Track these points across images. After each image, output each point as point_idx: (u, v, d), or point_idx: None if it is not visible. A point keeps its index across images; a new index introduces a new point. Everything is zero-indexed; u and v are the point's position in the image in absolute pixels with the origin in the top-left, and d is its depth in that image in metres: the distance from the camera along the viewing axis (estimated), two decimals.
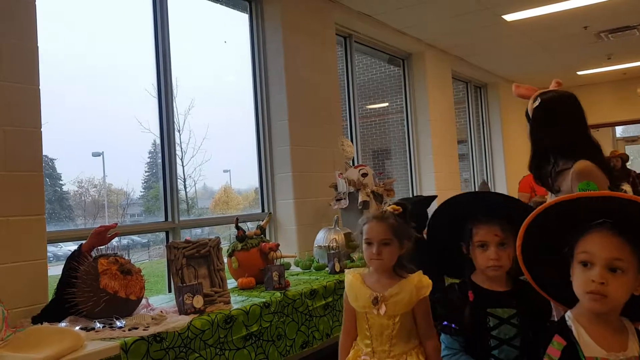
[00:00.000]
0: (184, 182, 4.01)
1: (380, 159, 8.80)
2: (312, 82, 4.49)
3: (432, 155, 6.39)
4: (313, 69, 4.53)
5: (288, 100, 4.24)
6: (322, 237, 3.80)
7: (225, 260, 3.03)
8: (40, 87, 2.59)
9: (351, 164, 4.53)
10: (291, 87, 4.28)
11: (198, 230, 4.28)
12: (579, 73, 8.68)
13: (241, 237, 3.18)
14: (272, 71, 4.32)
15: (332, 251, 3.56)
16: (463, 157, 8.09)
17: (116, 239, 2.59)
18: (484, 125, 8.57)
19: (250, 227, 3.48)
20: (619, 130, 12.61)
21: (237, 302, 2.65)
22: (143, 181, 3.97)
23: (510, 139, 8.70)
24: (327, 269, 3.53)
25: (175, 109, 3.69)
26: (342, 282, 3.12)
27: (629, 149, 13.12)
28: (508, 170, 8.47)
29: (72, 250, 2.49)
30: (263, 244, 3.16)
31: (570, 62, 8.01)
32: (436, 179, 6.39)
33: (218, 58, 4.38)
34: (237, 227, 3.23)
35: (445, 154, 6.62)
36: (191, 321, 2.27)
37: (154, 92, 3.61)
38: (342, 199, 4.11)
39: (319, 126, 4.52)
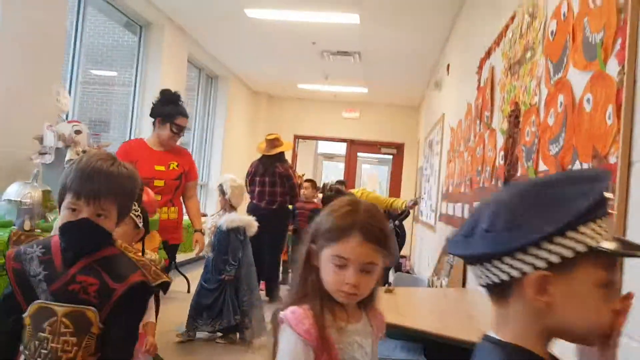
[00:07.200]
0: None
1: (97, 131, 8.18)
2: (34, 20, 3.92)
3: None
4: (37, 7, 3.96)
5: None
6: (14, 191, 3.31)
7: None
8: None
9: (64, 118, 4.09)
10: (7, 18, 3.66)
11: None
12: (300, 86, 9.45)
13: None
14: None
15: (25, 207, 3.14)
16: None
17: None
18: (209, 115, 8.68)
19: None
20: (320, 147, 14.19)
21: None
22: None
23: (231, 134, 9.03)
24: (14, 226, 3.09)
25: None
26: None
27: (326, 164, 15.19)
28: (224, 162, 8.75)
29: None
30: None
31: (294, 74, 8.64)
32: None
33: None
34: None
35: None
36: None
37: None
38: (47, 154, 3.67)
39: (34, 68, 3.96)
